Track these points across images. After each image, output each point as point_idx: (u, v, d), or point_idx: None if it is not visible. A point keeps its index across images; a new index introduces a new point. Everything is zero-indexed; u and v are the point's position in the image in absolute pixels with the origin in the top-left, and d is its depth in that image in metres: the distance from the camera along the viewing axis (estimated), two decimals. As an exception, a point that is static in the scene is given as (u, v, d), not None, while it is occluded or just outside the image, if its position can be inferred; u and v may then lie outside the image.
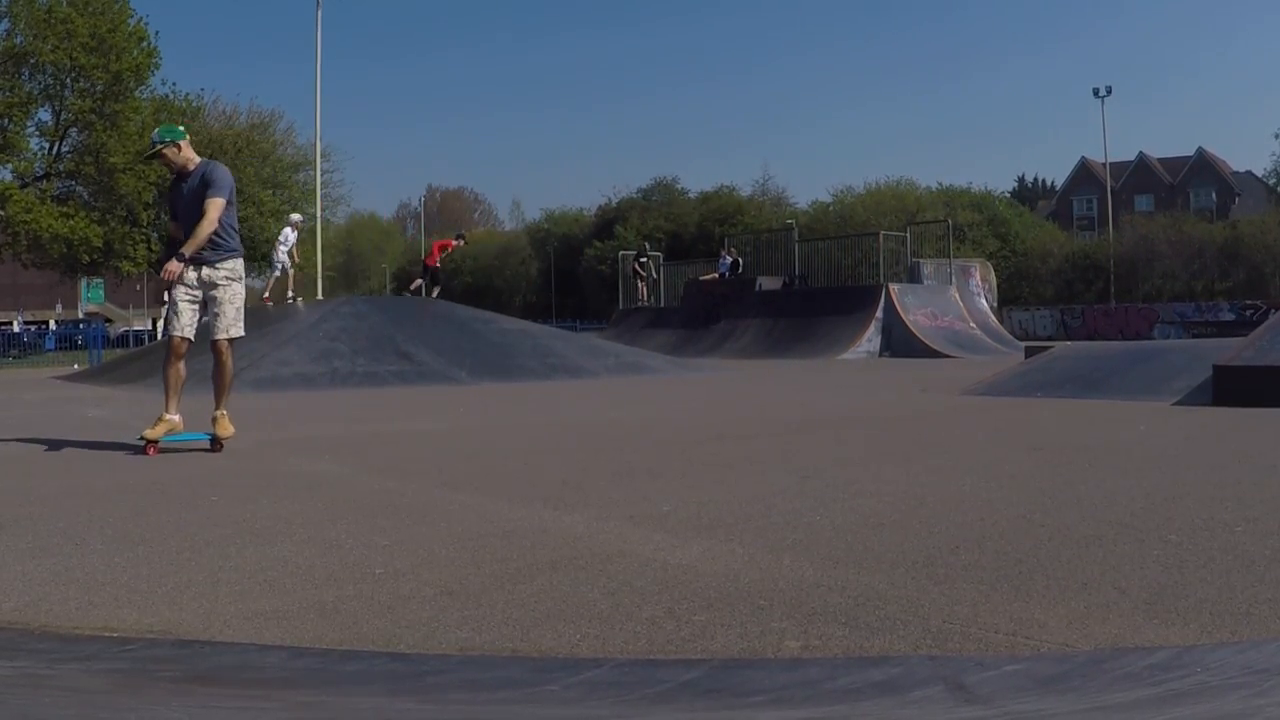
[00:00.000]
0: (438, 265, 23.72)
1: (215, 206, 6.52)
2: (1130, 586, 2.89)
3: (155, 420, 6.74)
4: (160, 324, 49.10)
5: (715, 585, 3.00)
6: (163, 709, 2.10)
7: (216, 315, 6.73)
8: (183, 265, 6.56)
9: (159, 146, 6.70)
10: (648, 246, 37.74)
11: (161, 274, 6.74)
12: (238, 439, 6.88)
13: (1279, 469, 5.27)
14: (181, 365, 6.79)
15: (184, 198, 6.74)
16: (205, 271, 6.69)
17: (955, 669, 2.23)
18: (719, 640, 2.49)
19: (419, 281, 24.15)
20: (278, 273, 21.01)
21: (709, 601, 2.82)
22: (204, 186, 6.59)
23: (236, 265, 6.83)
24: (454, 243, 25.30)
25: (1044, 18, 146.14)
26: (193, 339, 6.77)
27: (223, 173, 6.74)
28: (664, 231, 63.83)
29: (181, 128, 6.97)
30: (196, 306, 6.75)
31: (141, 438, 6.62)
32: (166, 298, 6.98)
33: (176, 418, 6.74)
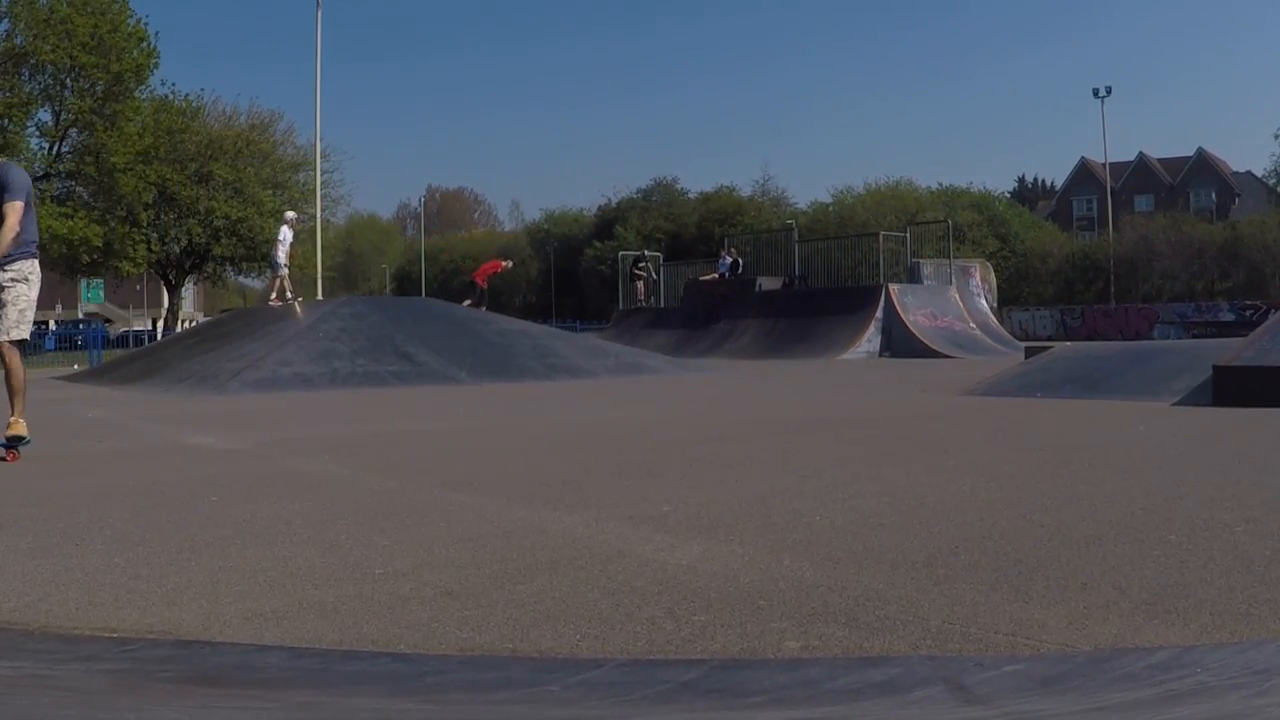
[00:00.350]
0: (485, 286, 24.44)
1: (14, 211, 6.31)
2: (1130, 587, 2.89)
3: None
4: (160, 325, 49.06)
5: (715, 586, 3.01)
6: (163, 709, 2.10)
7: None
8: None
9: None
10: (646, 252, 37.49)
11: None
12: (236, 439, 6.89)
13: (1279, 469, 5.27)
14: None
15: None
16: None
17: (955, 669, 2.23)
18: (719, 640, 2.49)
19: (469, 300, 24.51)
20: (282, 273, 20.99)
21: (709, 602, 2.83)
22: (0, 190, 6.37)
23: (24, 266, 6.51)
24: (503, 265, 26.09)
25: (1044, 18, 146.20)
26: None
27: (17, 174, 6.52)
28: (664, 232, 63.87)
29: None
30: None
31: None
32: None
33: None
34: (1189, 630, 2.49)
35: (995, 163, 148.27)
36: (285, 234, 20.82)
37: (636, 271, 33.69)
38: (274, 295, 21.04)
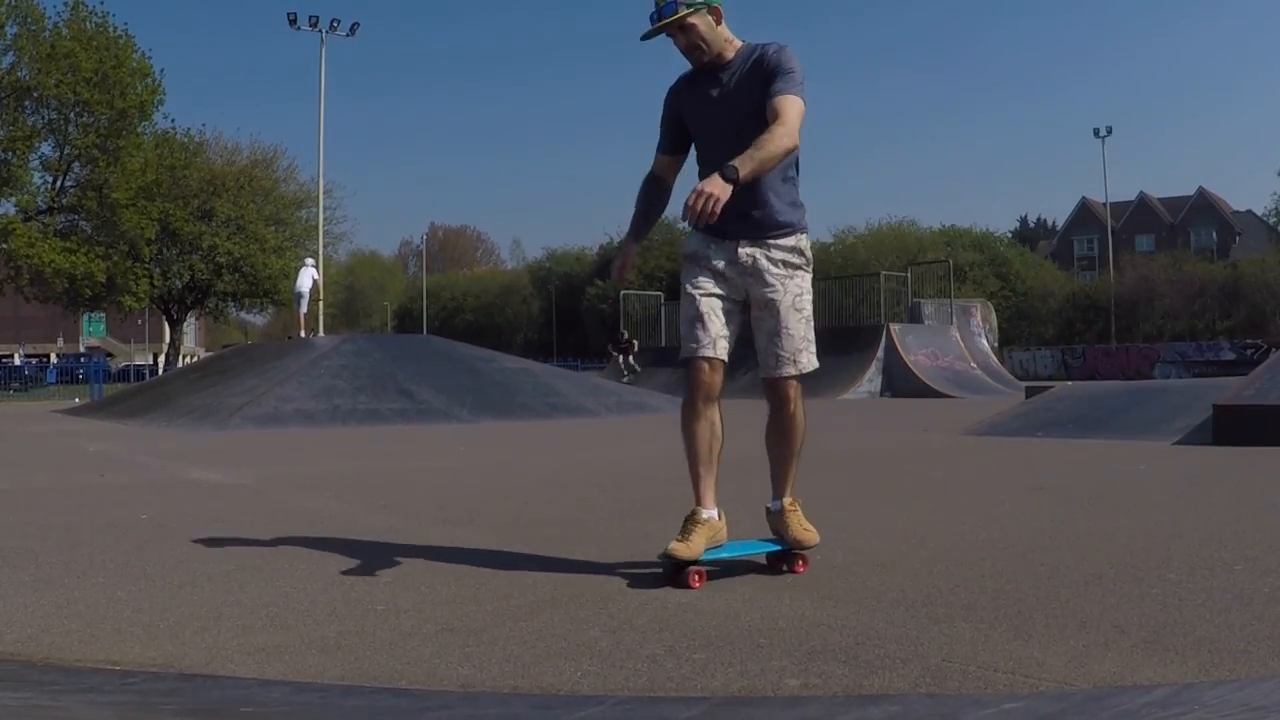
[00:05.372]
0: None
1: (795, 108, 4.30)
2: (1129, 625, 2.90)
3: None
4: (162, 360, 49.16)
5: (715, 624, 3.01)
6: (165, 743, 2.11)
7: None
8: None
9: None
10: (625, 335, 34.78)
11: None
12: (237, 474, 6.89)
13: (1278, 508, 5.28)
14: None
15: None
16: None
17: (954, 707, 2.24)
18: (719, 678, 2.49)
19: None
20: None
21: (709, 640, 2.83)
22: None
23: (803, 242, 4.57)
24: None
25: (1047, 61, 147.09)
26: None
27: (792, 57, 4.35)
28: (665, 270, 64.02)
29: None
30: None
31: None
32: None
33: None
34: (1187, 668, 2.49)
35: (997, 203, 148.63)
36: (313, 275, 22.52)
37: (621, 346, 32.31)
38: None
